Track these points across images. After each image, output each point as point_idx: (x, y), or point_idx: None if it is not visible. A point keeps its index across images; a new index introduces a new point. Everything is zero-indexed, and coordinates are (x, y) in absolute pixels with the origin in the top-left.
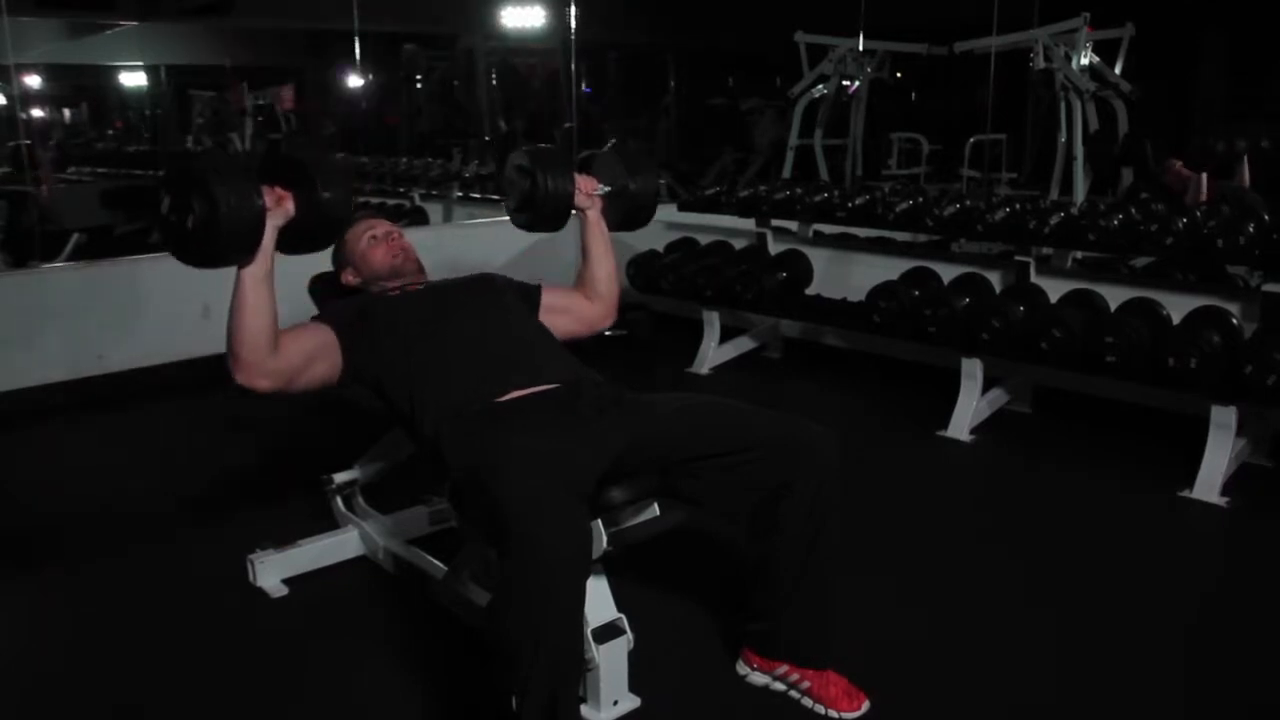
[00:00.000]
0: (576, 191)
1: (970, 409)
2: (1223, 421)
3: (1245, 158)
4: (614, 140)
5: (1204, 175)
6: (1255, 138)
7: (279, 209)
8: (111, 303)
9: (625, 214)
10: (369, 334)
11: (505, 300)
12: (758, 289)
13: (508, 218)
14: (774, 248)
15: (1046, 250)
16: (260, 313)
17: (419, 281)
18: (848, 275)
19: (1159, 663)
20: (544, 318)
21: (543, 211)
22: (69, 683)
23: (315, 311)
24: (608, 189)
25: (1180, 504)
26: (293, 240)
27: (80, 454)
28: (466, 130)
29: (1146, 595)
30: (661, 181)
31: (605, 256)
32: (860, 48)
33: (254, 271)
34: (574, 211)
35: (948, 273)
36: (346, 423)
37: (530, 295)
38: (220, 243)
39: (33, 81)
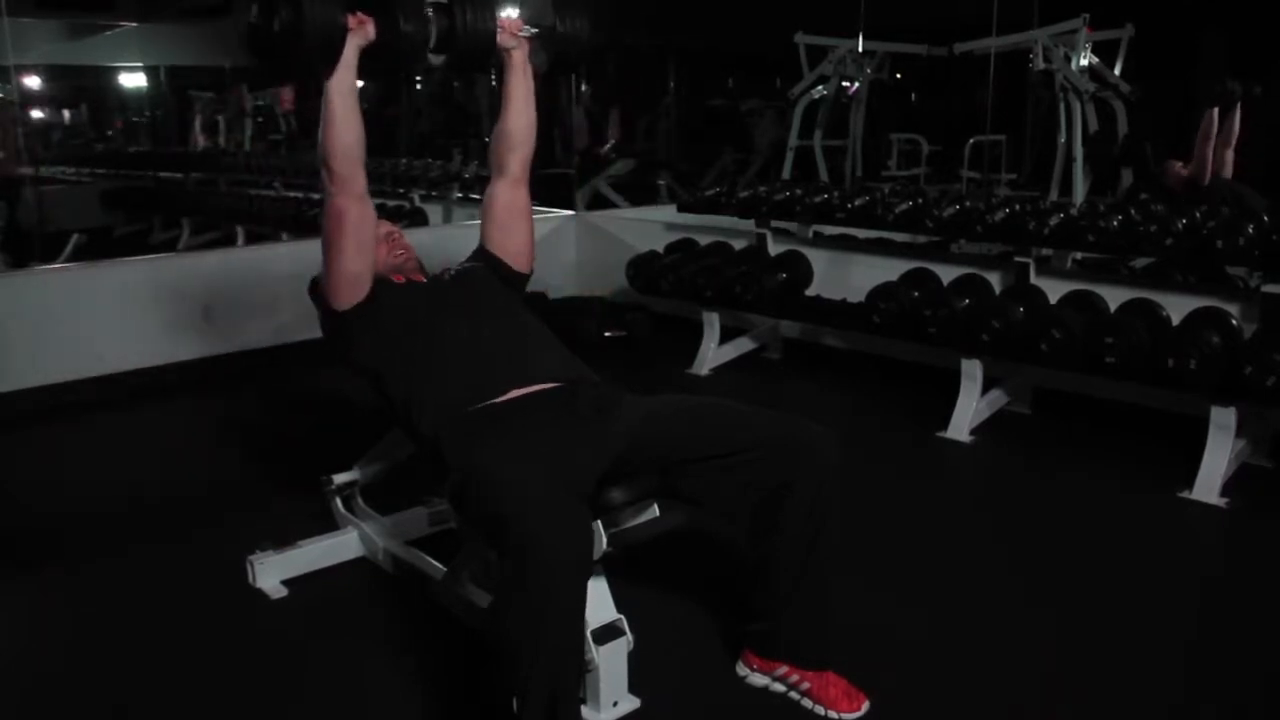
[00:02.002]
0: (501, 32)
1: (970, 410)
2: (1222, 422)
3: (1233, 118)
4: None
5: (1214, 111)
6: (1250, 84)
7: (361, 30)
8: (111, 304)
9: (555, 56)
10: (376, 314)
11: (503, 294)
12: (757, 290)
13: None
14: (774, 248)
15: (1046, 251)
16: (350, 125)
17: (420, 278)
18: (847, 276)
19: (1159, 663)
20: (505, 253)
21: (462, 50)
22: (69, 683)
23: (315, 314)
24: (533, 31)
25: (1180, 505)
26: (370, 64)
27: (80, 455)
28: (466, 131)
29: (1146, 596)
30: (661, 182)
31: (526, 104)
32: (860, 49)
33: (340, 85)
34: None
35: (947, 274)
36: (346, 424)
37: (494, 264)
38: (305, 47)
39: (32, 82)
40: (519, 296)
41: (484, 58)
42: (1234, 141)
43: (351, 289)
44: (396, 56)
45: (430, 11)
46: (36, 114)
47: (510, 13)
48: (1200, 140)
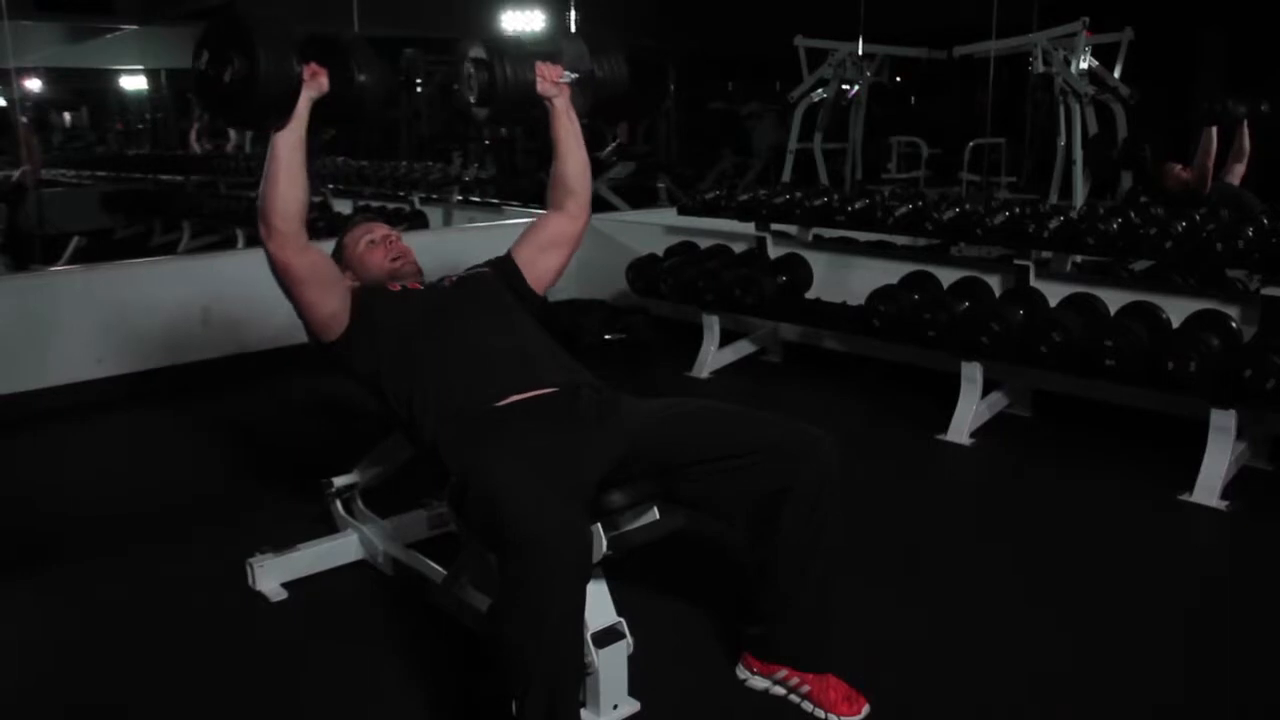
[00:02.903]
0: (540, 80)
1: (970, 412)
2: (1222, 425)
3: (1243, 136)
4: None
5: (1214, 133)
6: (1255, 102)
7: (314, 82)
8: (111, 306)
9: (595, 101)
10: (369, 326)
11: (504, 300)
12: (757, 293)
13: (507, 221)
14: (773, 251)
15: (1046, 254)
16: (294, 180)
17: (418, 284)
18: (847, 279)
19: (1159, 664)
20: (531, 271)
21: (505, 103)
22: (69, 683)
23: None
24: (574, 75)
25: (1180, 507)
26: (324, 117)
27: (80, 457)
28: (466, 134)
29: (1146, 598)
30: (661, 185)
31: (576, 148)
32: (860, 52)
33: (288, 137)
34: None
35: (947, 276)
36: (346, 426)
37: (511, 274)
38: (256, 101)
39: (33, 85)
40: (526, 306)
41: (526, 108)
42: (1245, 157)
43: (334, 323)
44: (353, 109)
45: (471, 67)
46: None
47: (548, 61)
48: (1201, 156)
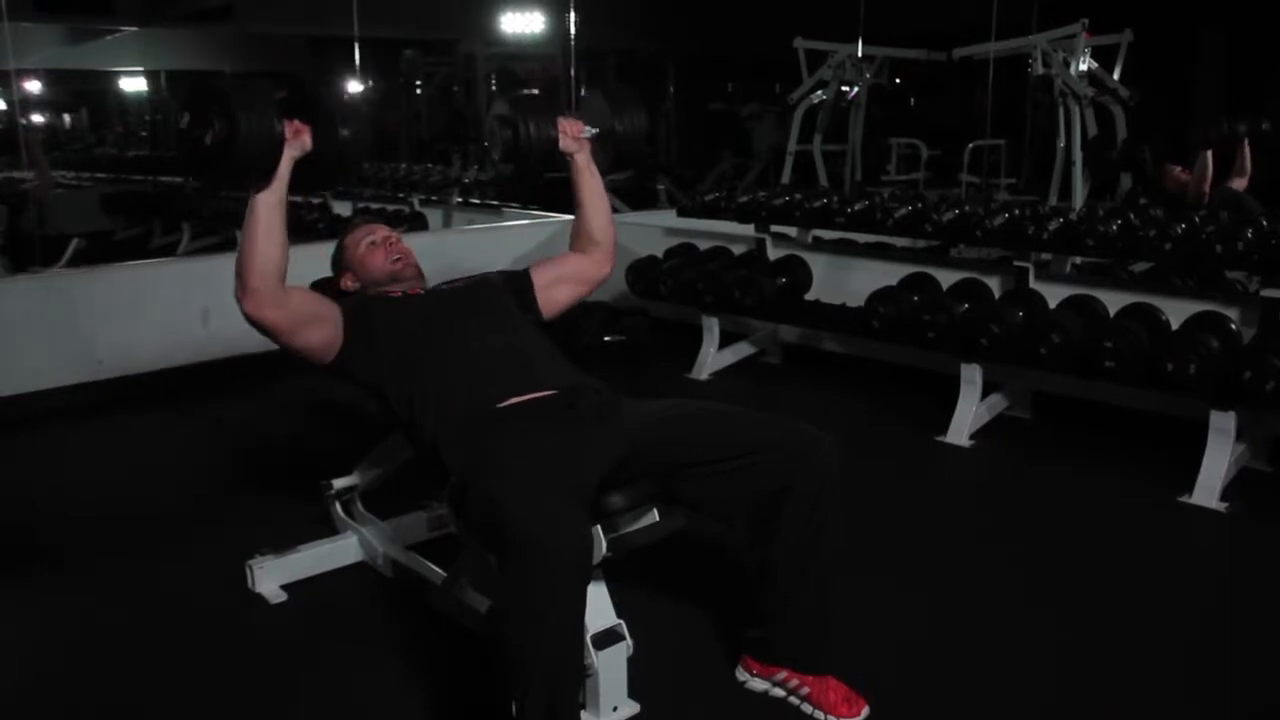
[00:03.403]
0: (562, 136)
1: (969, 414)
2: (1222, 427)
3: (1244, 154)
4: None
5: (1209, 156)
6: (1256, 120)
7: (296, 140)
8: (111, 308)
9: (615, 155)
10: (368, 334)
11: (504, 304)
12: (757, 294)
13: (507, 223)
14: (773, 253)
15: (1045, 255)
16: (272, 240)
17: (419, 287)
18: (847, 281)
19: (1159, 665)
20: (544, 295)
21: (529, 160)
22: (68, 684)
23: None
24: (594, 131)
25: (1180, 509)
26: (307, 175)
27: (79, 459)
28: (466, 136)
29: (1146, 599)
30: (660, 187)
31: (599, 202)
32: (859, 53)
33: (268, 198)
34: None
35: (946, 278)
36: (346, 428)
37: (523, 289)
38: (237, 162)
39: (33, 87)
40: (524, 308)
41: (549, 163)
42: (1248, 174)
43: (328, 349)
44: (336, 164)
45: (495, 124)
46: (37, 118)
47: (569, 118)
48: (1196, 180)
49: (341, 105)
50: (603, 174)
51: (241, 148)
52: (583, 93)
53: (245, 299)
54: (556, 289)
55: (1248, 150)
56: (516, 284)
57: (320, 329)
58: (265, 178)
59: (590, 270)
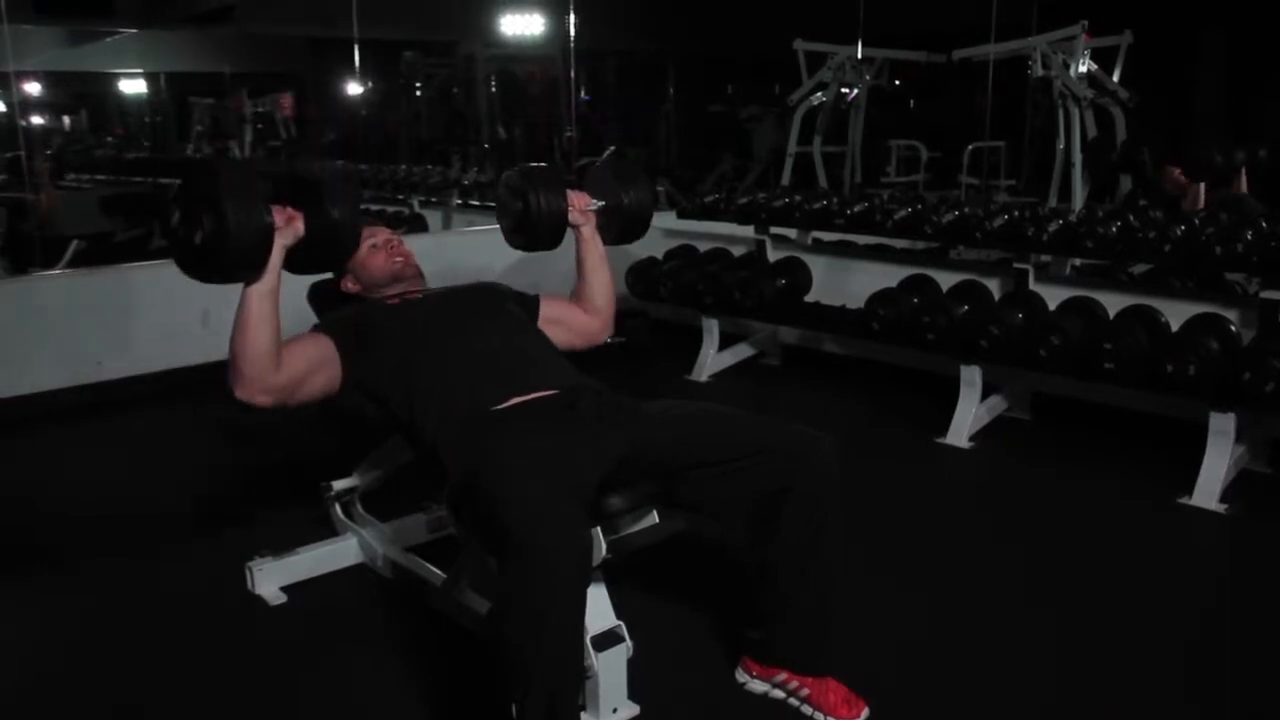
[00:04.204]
0: (570, 209)
1: (969, 416)
2: (1221, 428)
3: (1241, 182)
4: (611, 149)
5: (1201, 185)
6: (1253, 149)
7: (288, 228)
8: (111, 310)
9: (620, 228)
10: (368, 343)
11: (505, 307)
12: (756, 296)
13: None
14: (773, 255)
15: (1045, 257)
16: (265, 329)
17: (418, 289)
18: (846, 282)
19: (1159, 665)
20: (543, 326)
21: (538, 232)
22: (68, 684)
23: (315, 320)
24: (600, 204)
25: (1179, 510)
26: (301, 261)
27: (79, 461)
28: (466, 137)
29: (1146, 600)
30: (660, 189)
31: (602, 272)
32: (859, 55)
33: (260, 288)
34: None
35: (946, 280)
36: (345, 430)
37: (529, 305)
38: (227, 260)
39: (33, 89)
40: (528, 316)
41: (557, 235)
42: (1245, 189)
43: (329, 388)
44: (326, 252)
45: (506, 195)
46: (36, 120)
47: (577, 191)
48: (1189, 205)
49: (335, 188)
50: (609, 243)
51: (232, 243)
52: (590, 164)
53: (238, 386)
54: (556, 328)
55: (1245, 179)
56: (523, 301)
57: (319, 378)
58: (257, 270)
59: (587, 329)
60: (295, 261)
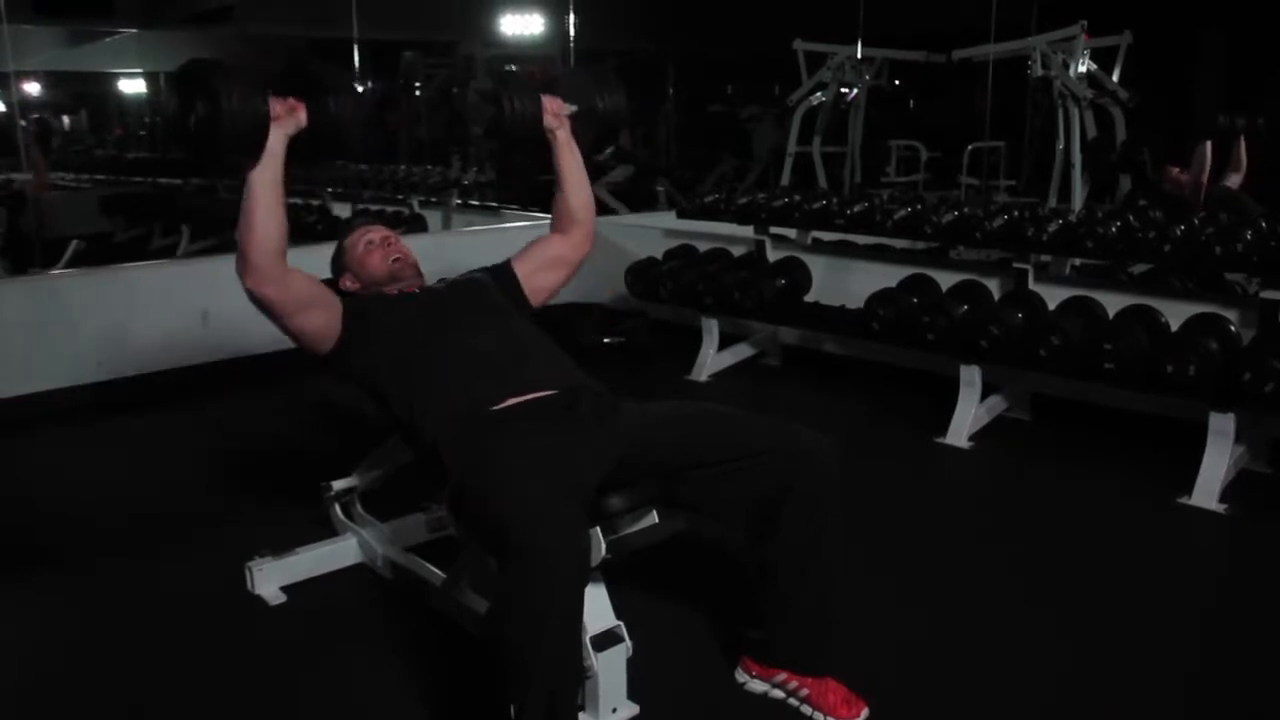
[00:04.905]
0: (544, 113)
1: (969, 416)
2: (1221, 428)
3: (1240, 150)
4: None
5: (1208, 145)
6: (1253, 116)
7: (290, 118)
8: (111, 310)
9: (596, 133)
10: (367, 330)
11: (499, 302)
12: (756, 296)
13: (506, 225)
14: (772, 255)
15: (1045, 257)
16: (270, 216)
17: (415, 286)
18: (846, 282)
19: (1159, 665)
20: (529, 284)
21: (512, 135)
22: (67, 685)
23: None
24: (575, 109)
25: (1179, 510)
26: (307, 151)
27: (79, 460)
28: (465, 138)
29: (1146, 600)
30: (660, 189)
31: (579, 179)
32: (859, 55)
33: (261, 175)
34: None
35: (946, 280)
36: (345, 430)
37: (508, 282)
38: (220, 142)
39: (32, 89)
40: (517, 305)
41: (531, 140)
42: (1243, 169)
43: (326, 337)
44: (332, 139)
45: (478, 99)
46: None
47: (552, 95)
48: (1195, 170)
49: (337, 81)
50: (585, 154)
51: (225, 127)
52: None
53: (246, 275)
54: (540, 276)
55: (1243, 146)
56: (501, 278)
57: (319, 314)
58: (253, 155)
59: (570, 251)
60: (302, 152)
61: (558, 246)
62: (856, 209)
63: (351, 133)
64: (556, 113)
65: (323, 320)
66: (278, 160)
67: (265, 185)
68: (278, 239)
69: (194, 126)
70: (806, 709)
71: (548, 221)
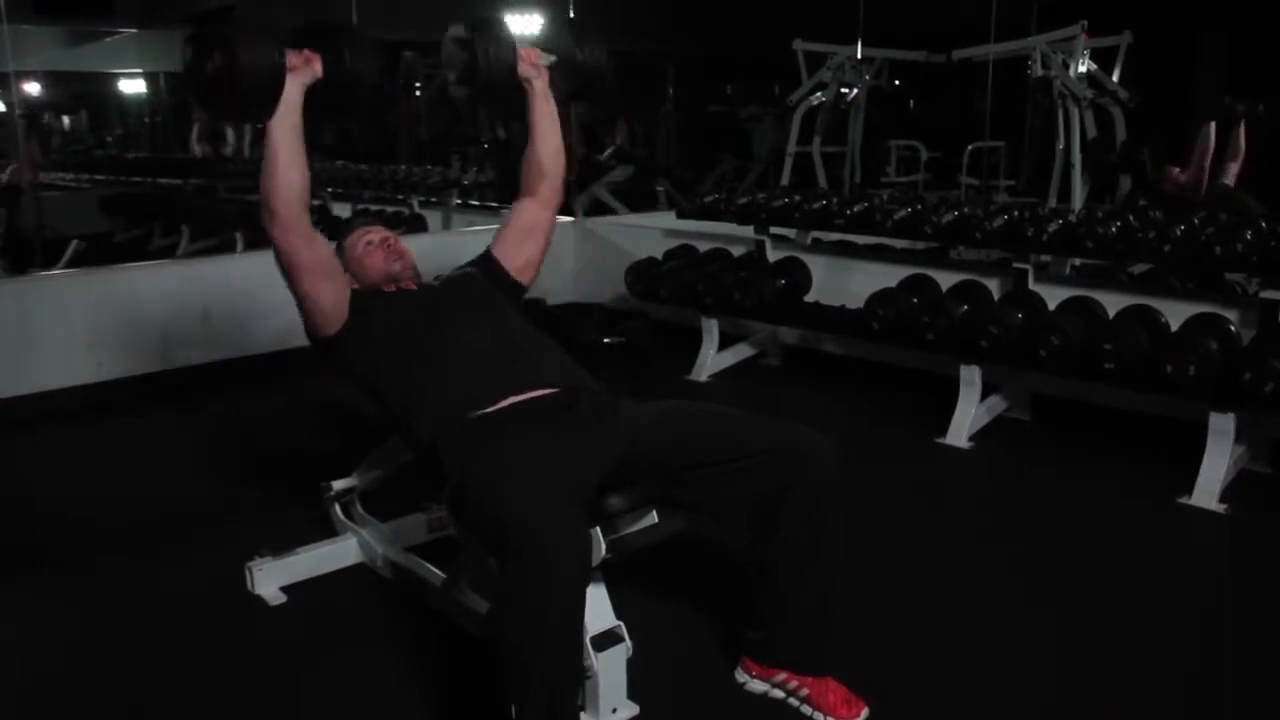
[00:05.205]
0: (520, 62)
1: (969, 416)
2: (1221, 428)
3: (1239, 136)
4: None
5: (1212, 126)
6: (1253, 101)
7: (306, 69)
8: (111, 310)
9: (575, 85)
10: (365, 331)
11: (495, 299)
12: (756, 296)
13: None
14: (772, 255)
15: (1045, 257)
16: (292, 165)
17: (413, 284)
18: (846, 282)
19: (1158, 665)
20: (514, 264)
21: (484, 82)
22: (67, 685)
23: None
24: (553, 59)
25: (1179, 510)
26: (321, 103)
27: (79, 460)
28: (465, 138)
29: (1145, 600)
30: (660, 189)
31: (551, 132)
32: (859, 55)
33: (281, 124)
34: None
35: (946, 280)
36: (345, 430)
37: (493, 270)
38: (236, 92)
39: (32, 89)
40: (515, 304)
41: (506, 89)
42: (1241, 156)
43: (332, 317)
44: (347, 94)
45: (452, 46)
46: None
47: (529, 44)
48: (1198, 155)
49: (354, 35)
50: (561, 104)
51: (241, 77)
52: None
53: (273, 225)
54: (519, 250)
55: (1242, 131)
56: (486, 267)
57: (332, 287)
58: (270, 106)
59: (538, 212)
60: (318, 105)
61: (528, 211)
62: (856, 209)
63: (367, 87)
64: (534, 62)
65: (334, 297)
66: (295, 110)
67: (285, 134)
68: (300, 189)
69: (211, 75)
70: (806, 709)
71: None
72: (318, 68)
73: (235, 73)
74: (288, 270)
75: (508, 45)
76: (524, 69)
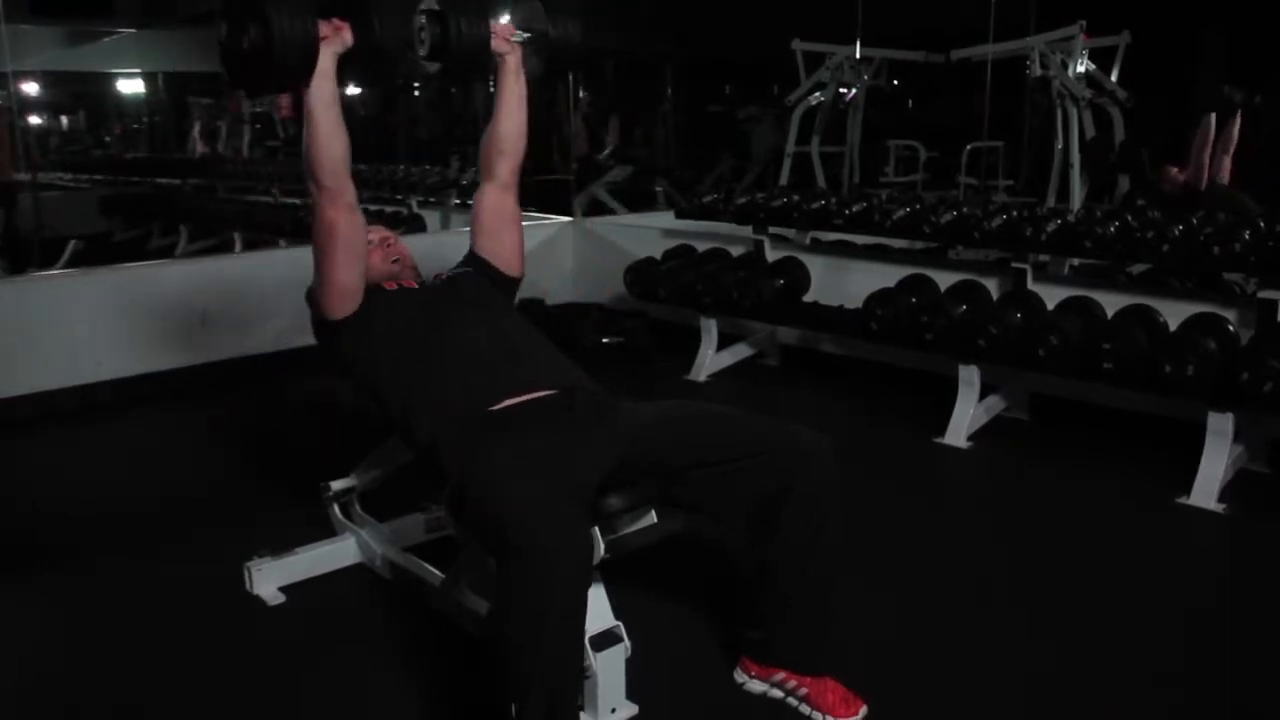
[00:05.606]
0: (493, 36)
1: (967, 416)
2: (1219, 428)
3: (1234, 127)
4: (611, 148)
5: (1212, 116)
6: (1251, 93)
7: (336, 37)
8: (111, 310)
9: (548, 61)
10: (367, 329)
11: (492, 299)
12: (755, 296)
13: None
14: (771, 255)
15: (1043, 257)
16: (336, 140)
17: (413, 283)
18: (845, 282)
19: (1158, 666)
20: (500, 258)
21: (455, 57)
22: (66, 686)
23: (313, 322)
24: (527, 35)
25: (1178, 510)
26: (354, 70)
27: (78, 461)
28: (464, 138)
29: (1144, 600)
30: (659, 189)
31: (518, 109)
32: (857, 55)
33: (319, 94)
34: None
35: (945, 280)
36: (344, 429)
37: (481, 265)
38: (273, 64)
39: (30, 89)
40: (512, 301)
41: (478, 64)
42: (1232, 149)
43: (345, 299)
44: (378, 61)
45: (424, 19)
46: (35, 120)
47: (503, 19)
48: (1198, 146)
49: (384, 4)
50: (533, 80)
51: (278, 50)
52: None
53: (321, 196)
54: (497, 243)
55: (1238, 123)
56: (479, 267)
57: (355, 266)
58: (304, 77)
59: (499, 199)
60: (350, 72)
61: (490, 197)
62: (855, 209)
63: (401, 55)
64: (507, 37)
65: (353, 278)
66: (330, 80)
67: (324, 105)
68: (342, 157)
69: (248, 50)
70: (805, 708)
71: (546, 220)
72: (348, 36)
73: (269, 44)
74: (324, 240)
75: (481, 19)
76: (497, 44)
